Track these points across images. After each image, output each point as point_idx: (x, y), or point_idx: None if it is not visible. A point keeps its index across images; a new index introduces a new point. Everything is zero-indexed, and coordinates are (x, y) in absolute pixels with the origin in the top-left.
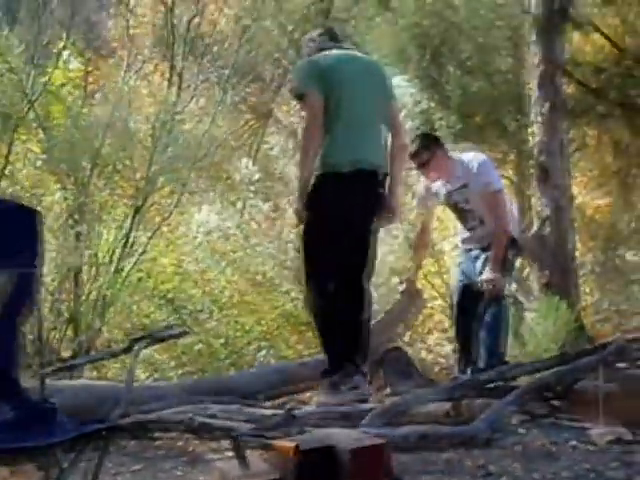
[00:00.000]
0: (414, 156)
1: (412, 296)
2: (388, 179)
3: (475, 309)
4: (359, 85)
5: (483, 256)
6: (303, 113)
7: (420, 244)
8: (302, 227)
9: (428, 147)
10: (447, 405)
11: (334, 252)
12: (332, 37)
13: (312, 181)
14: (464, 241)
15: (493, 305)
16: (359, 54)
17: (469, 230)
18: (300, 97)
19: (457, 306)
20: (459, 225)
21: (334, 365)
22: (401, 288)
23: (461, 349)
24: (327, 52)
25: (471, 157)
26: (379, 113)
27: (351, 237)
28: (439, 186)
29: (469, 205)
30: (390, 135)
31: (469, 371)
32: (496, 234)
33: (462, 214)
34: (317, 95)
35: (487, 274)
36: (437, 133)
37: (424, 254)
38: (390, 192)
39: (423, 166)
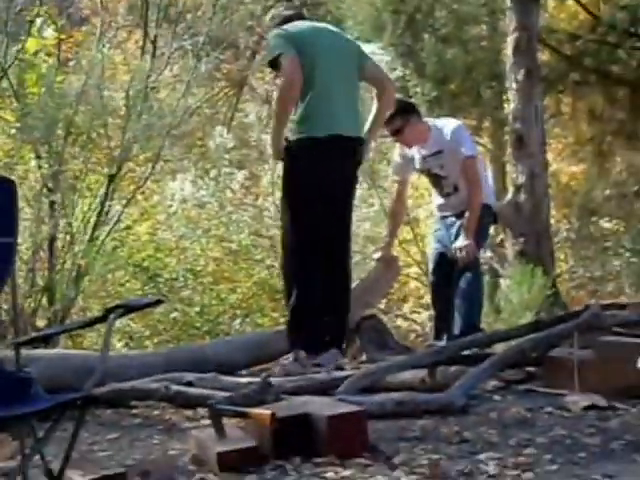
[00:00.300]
0: (388, 123)
1: (387, 264)
2: (369, 124)
3: (451, 276)
4: (332, 53)
5: (458, 223)
6: (278, 80)
7: (395, 212)
8: (280, 195)
9: (402, 114)
10: (422, 373)
11: (311, 220)
12: (301, 17)
13: (288, 147)
14: (439, 208)
15: (468, 272)
16: (329, 26)
17: (444, 197)
18: (274, 64)
19: (433, 273)
20: (434, 192)
21: (302, 338)
22: (376, 256)
23: (437, 317)
24: (297, 23)
25: (445, 123)
26: (355, 80)
27: (330, 204)
28: (414, 152)
29: (443, 171)
30: (379, 91)
31: (445, 338)
32: (470, 201)
33: (437, 180)
34: (294, 57)
35: (460, 241)
36: (412, 100)
37: (399, 222)
38: (368, 136)
39: (397, 133)
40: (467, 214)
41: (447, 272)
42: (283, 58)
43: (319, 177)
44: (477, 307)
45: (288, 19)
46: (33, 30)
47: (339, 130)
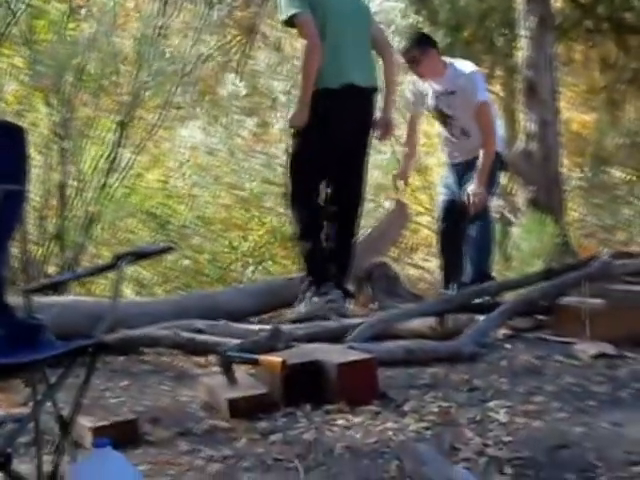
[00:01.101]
0: (406, 52)
1: (399, 209)
2: (380, 96)
3: (460, 225)
4: (343, 7)
5: (468, 170)
6: (301, 41)
7: (408, 144)
8: (289, 143)
9: (419, 44)
10: (433, 320)
11: (322, 168)
12: None
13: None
14: (449, 154)
15: (478, 220)
16: None
17: (452, 139)
18: (290, 22)
19: (441, 221)
20: (443, 136)
21: (315, 279)
22: (388, 204)
23: (445, 265)
24: None
25: (463, 66)
26: (365, 34)
27: (344, 154)
28: (426, 88)
29: (452, 112)
30: (380, 56)
31: (455, 287)
32: (483, 147)
33: (446, 121)
34: (308, 14)
35: (472, 187)
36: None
37: (413, 154)
38: (383, 109)
39: (414, 62)
40: (479, 160)
41: (456, 220)
42: (298, 18)
43: (333, 127)
44: (488, 255)
45: None
46: None
47: (352, 80)
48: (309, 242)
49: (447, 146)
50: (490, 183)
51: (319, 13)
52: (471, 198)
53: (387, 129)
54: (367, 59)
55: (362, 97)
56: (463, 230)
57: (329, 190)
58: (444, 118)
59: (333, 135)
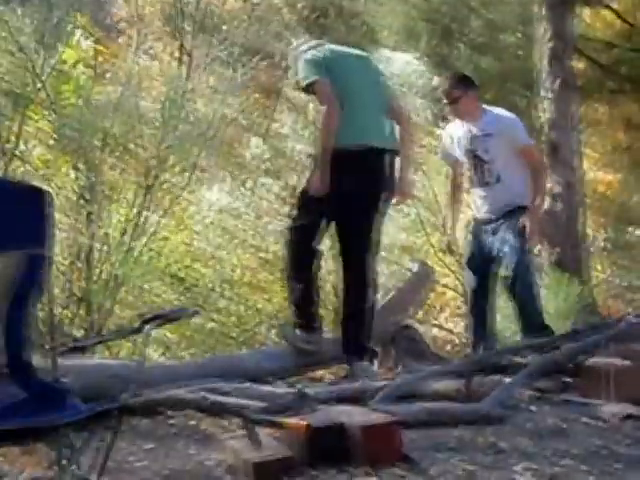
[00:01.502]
0: (447, 91)
1: (423, 271)
2: (398, 160)
3: (488, 287)
4: (361, 73)
5: (503, 226)
6: (320, 107)
7: (453, 199)
8: (298, 196)
9: (462, 84)
10: (458, 382)
11: (322, 220)
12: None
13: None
14: (478, 207)
15: (521, 275)
16: (351, 49)
17: (483, 187)
18: (308, 89)
19: (471, 285)
20: (474, 186)
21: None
22: (413, 267)
23: (475, 327)
24: (322, 47)
25: (501, 111)
26: (382, 99)
27: (354, 213)
28: (464, 131)
29: (488, 155)
30: (396, 121)
31: (482, 349)
32: (535, 183)
33: (479, 165)
34: (326, 80)
35: (527, 222)
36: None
37: (459, 207)
38: (401, 174)
39: (454, 102)
40: (536, 195)
41: (486, 282)
42: (317, 84)
43: (343, 188)
44: (538, 307)
45: (314, 47)
46: (71, 41)
47: (370, 141)
48: (299, 285)
49: (478, 199)
50: (523, 235)
51: (340, 79)
52: (527, 228)
53: (406, 190)
54: (386, 123)
55: (380, 158)
56: (493, 289)
57: (340, 249)
58: (478, 163)
59: (343, 193)
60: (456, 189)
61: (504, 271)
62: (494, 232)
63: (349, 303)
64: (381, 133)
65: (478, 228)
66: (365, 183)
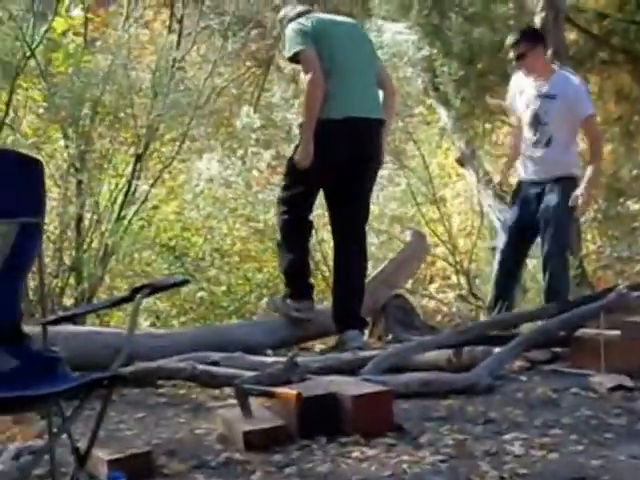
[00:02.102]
0: (514, 45)
1: (417, 241)
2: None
3: (520, 251)
4: (349, 42)
5: (551, 194)
6: (303, 75)
7: (512, 145)
8: (287, 165)
9: (529, 40)
10: (449, 352)
11: (313, 190)
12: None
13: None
14: (527, 168)
15: (562, 234)
16: (341, 17)
17: (534, 147)
18: (295, 58)
19: (504, 247)
20: (526, 144)
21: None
22: (405, 236)
23: (496, 285)
24: (310, 15)
25: (572, 76)
26: (371, 68)
27: (343, 182)
28: (529, 87)
29: (547, 118)
30: (381, 88)
31: (498, 310)
32: (592, 157)
33: (535, 124)
34: (312, 50)
35: (581, 190)
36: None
37: (515, 155)
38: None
39: (520, 58)
40: (589, 172)
41: (519, 246)
42: (302, 54)
43: (330, 155)
44: (567, 283)
45: (302, 14)
46: (61, 9)
47: (355, 111)
48: (291, 255)
49: (528, 160)
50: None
51: (326, 48)
52: (579, 199)
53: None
54: (374, 92)
55: (365, 127)
56: (523, 260)
57: (332, 219)
58: (535, 121)
59: (330, 163)
60: (517, 139)
61: (542, 240)
62: (539, 198)
63: (341, 272)
64: (368, 103)
65: (525, 191)
66: (352, 153)
